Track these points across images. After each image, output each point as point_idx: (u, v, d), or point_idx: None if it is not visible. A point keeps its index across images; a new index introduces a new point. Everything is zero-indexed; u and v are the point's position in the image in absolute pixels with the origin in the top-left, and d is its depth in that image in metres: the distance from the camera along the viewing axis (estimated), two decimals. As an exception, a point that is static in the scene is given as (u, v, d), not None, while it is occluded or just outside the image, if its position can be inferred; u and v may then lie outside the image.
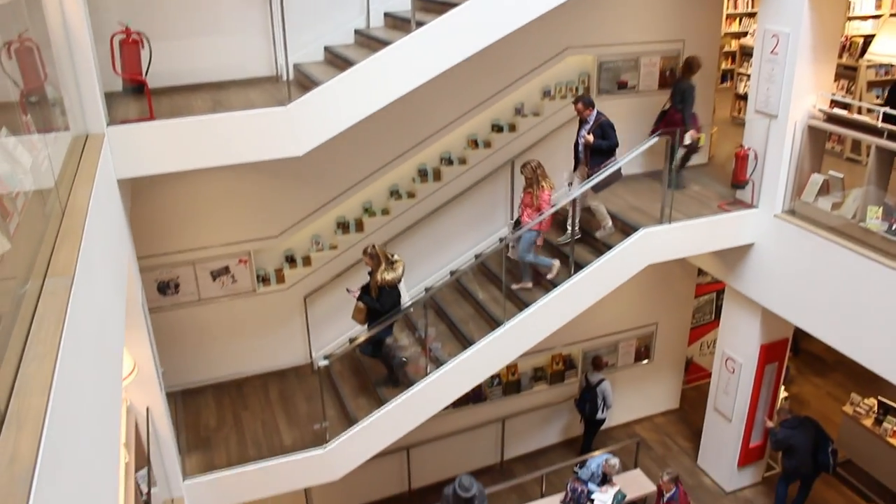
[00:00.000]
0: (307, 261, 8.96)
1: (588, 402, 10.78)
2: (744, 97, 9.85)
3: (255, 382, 8.94)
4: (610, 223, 8.82)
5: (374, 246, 7.94)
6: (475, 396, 10.42)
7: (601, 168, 8.51)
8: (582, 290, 8.32)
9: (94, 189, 4.21)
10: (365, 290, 8.00)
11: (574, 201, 8.78)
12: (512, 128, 9.49)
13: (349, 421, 8.00)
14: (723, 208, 8.92)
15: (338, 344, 9.40)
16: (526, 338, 8.35)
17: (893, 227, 7.56)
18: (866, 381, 10.54)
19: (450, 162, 9.34)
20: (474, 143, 9.41)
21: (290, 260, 8.93)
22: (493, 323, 8.39)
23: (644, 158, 8.88)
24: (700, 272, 11.51)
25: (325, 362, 7.87)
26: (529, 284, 8.70)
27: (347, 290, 8.10)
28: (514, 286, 8.70)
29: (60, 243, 3.35)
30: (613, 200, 9.34)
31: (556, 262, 8.66)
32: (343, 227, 9.05)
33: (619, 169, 8.68)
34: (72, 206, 3.85)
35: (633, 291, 10.19)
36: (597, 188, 8.65)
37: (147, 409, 6.30)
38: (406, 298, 8.21)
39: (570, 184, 9.03)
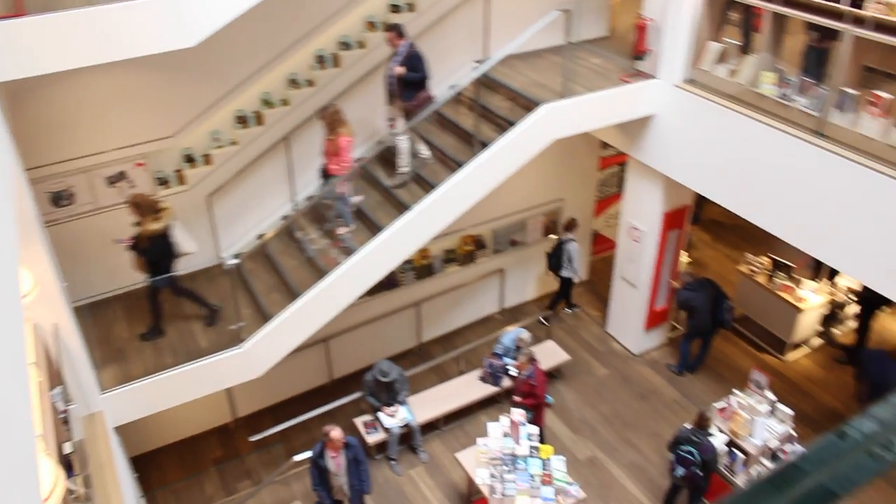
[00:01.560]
0: (207, 159, 8.62)
1: (554, 257, 11.38)
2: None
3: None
4: (428, 152, 8.78)
5: (139, 195, 7.61)
6: (389, 283, 10.45)
7: (415, 100, 8.46)
8: (489, 168, 8.31)
9: (-35, 96, 3.87)
10: (136, 239, 7.61)
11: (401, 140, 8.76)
12: (411, 7, 9.17)
13: (265, 318, 7.95)
14: (624, 80, 8.97)
15: (246, 242, 9.22)
16: (435, 220, 8.35)
17: (786, 92, 7.77)
18: (760, 241, 11.05)
19: (348, 46, 9.01)
20: (372, 26, 9.08)
21: (190, 159, 8.57)
22: (402, 207, 8.35)
23: (545, 34, 8.74)
24: (603, 145, 11.67)
25: (235, 261, 7.73)
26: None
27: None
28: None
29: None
30: (515, 77, 9.27)
31: (351, 226, 8.58)
32: (242, 120, 8.70)
33: (431, 98, 8.64)
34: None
35: (539, 168, 10.26)
36: (409, 118, 8.58)
37: (55, 326, 6.09)
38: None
39: (391, 120, 8.91)
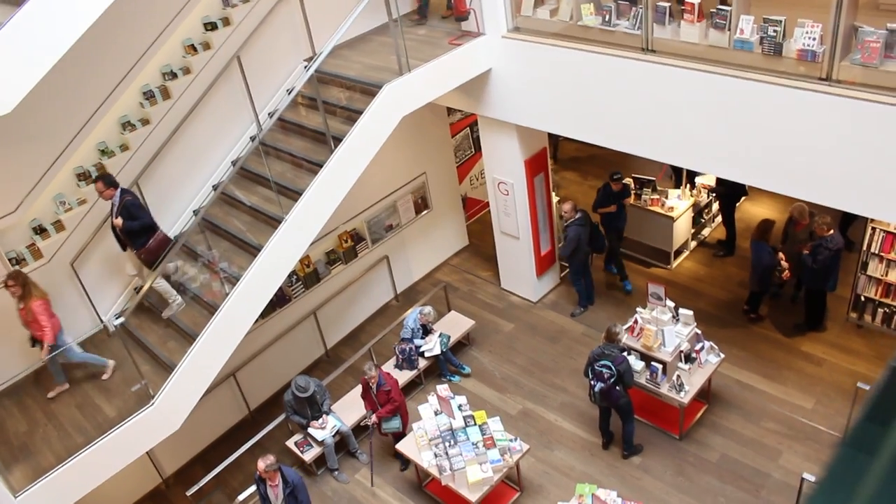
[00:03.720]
0: (59, 225, 8.15)
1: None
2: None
3: (50, 371, 8.22)
4: (179, 299, 8.35)
5: None
6: (279, 300, 10.27)
7: (148, 245, 8.12)
8: (348, 161, 8.25)
9: None
10: None
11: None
12: (226, 22, 8.94)
13: (168, 368, 7.65)
14: (454, 44, 9.07)
15: (125, 298, 8.83)
16: (310, 224, 8.22)
17: (607, 19, 8.08)
18: (617, 165, 11.50)
19: (173, 75, 8.69)
20: (192, 49, 8.79)
21: (40, 230, 8.08)
22: (274, 222, 8.19)
23: (365, 17, 8.72)
24: (449, 111, 11.80)
25: (120, 320, 7.41)
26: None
27: None
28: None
29: None
30: (349, 66, 9.21)
31: (111, 363, 8.00)
32: (84, 177, 8.26)
33: (166, 238, 8.32)
34: None
35: (394, 149, 10.23)
36: (151, 265, 8.26)
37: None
38: None
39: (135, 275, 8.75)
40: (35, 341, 7.71)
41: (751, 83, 6.93)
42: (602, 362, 8.15)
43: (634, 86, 7.95)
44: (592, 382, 8.30)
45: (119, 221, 7.87)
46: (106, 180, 7.82)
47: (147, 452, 9.05)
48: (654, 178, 11.41)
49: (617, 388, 8.17)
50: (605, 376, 8.14)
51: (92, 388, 7.84)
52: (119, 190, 7.88)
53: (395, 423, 8.91)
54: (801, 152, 6.88)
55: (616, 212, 10.89)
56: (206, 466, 9.35)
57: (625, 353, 8.35)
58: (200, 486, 8.74)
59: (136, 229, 7.97)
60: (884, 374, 1.43)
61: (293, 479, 7.82)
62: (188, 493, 8.69)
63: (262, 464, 7.64)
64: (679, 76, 7.47)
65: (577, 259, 10.63)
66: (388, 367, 10.19)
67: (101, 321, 8.60)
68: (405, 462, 9.21)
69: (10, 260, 7.87)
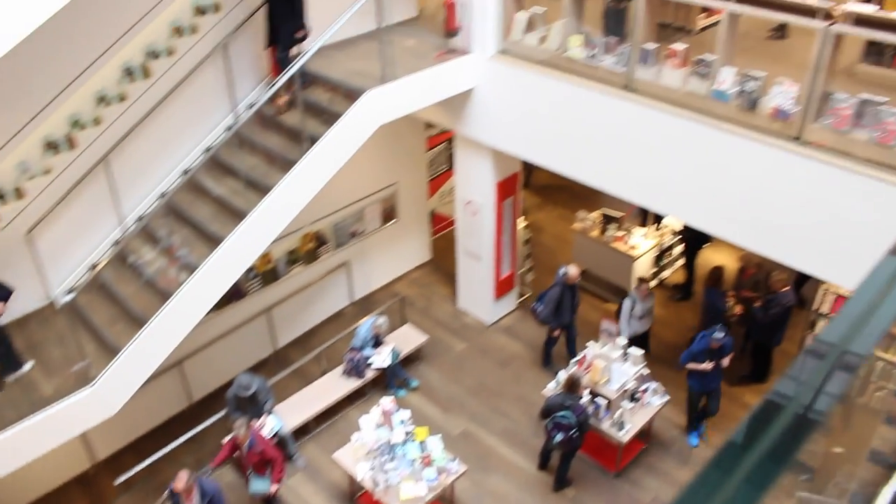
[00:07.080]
0: (19, 193, 7.97)
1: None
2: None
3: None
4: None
5: None
6: (235, 294, 10.17)
7: None
8: (321, 162, 8.22)
9: None
10: None
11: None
12: (216, 8, 8.86)
13: (112, 351, 7.51)
14: (440, 58, 9.11)
15: (78, 274, 8.64)
16: (275, 221, 8.17)
17: (593, 53, 8.18)
18: (587, 199, 11.64)
19: (156, 55, 8.57)
20: (178, 31, 8.69)
21: (-1, 196, 7.92)
22: (239, 215, 8.11)
23: (357, 20, 8.70)
24: (428, 125, 11.83)
25: (70, 297, 7.27)
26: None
27: None
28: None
29: None
30: (334, 68, 9.17)
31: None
32: (52, 146, 8.10)
33: None
34: None
35: (369, 156, 10.22)
36: None
37: None
38: None
39: None
40: None
41: (723, 134, 7.06)
42: (562, 413, 8.06)
43: (611, 123, 8.06)
44: (553, 433, 8.19)
45: None
46: None
47: (81, 433, 8.86)
48: (622, 215, 11.53)
49: (575, 436, 8.16)
50: (566, 427, 8.06)
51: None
52: None
53: (263, 486, 8.15)
54: (766, 208, 7.01)
55: (711, 372, 8.90)
56: (138, 455, 9.11)
57: (584, 402, 8.33)
58: (130, 476, 8.54)
59: None
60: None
61: (211, 490, 7.49)
62: (116, 483, 8.48)
63: (179, 484, 7.19)
64: (654, 118, 7.59)
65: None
66: (336, 374, 10.11)
67: (50, 296, 8.41)
68: None
69: (-38, 222, 7.68)
